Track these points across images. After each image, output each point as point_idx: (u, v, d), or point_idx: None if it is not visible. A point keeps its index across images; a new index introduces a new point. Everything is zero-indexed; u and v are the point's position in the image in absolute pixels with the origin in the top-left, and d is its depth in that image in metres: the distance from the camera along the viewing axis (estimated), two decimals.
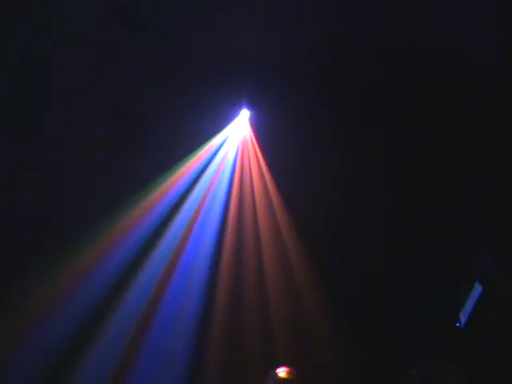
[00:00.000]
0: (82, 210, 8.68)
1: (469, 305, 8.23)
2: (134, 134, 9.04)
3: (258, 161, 9.45)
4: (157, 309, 8.85)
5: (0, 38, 8.41)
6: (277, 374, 7.77)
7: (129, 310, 8.70)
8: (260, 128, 9.40)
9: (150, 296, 8.87)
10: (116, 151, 8.94)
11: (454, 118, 8.92)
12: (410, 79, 8.88)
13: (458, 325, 8.39)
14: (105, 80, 8.78)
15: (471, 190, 8.79)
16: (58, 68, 8.61)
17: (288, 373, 7.87)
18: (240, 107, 9.33)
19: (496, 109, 8.63)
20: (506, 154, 8.64)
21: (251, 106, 9.32)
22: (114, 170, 8.89)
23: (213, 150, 9.34)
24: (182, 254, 9.08)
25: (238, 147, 9.48)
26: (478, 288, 8.14)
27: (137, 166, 9.02)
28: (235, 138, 9.45)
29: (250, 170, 9.46)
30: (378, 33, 8.68)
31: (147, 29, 8.70)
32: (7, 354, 8.05)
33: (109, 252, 8.79)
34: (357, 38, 8.77)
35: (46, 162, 8.65)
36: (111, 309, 8.64)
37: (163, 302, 8.84)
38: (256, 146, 9.42)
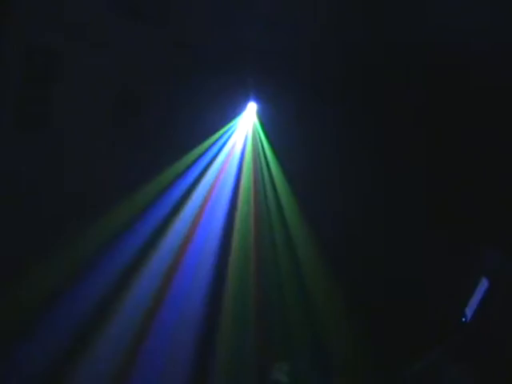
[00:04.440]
0: (92, 200, 8.70)
1: (475, 300, 8.26)
2: (142, 127, 9.05)
3: (264, 152, 9.47)
4: (163, 302, 8.88)
5: (7, 34, 8.38)
6: (283, 366, 7.84)
7: (134, 304, 8.75)
8: (267, 120, 9.42)
9: (154, 290, 8.91)
10: (124, 144, 8.96)
11: (455, 115, 8.96)
12: (413, 74, 8.91)
13: (463, 320, 8.41)
14: (113, 74, 8.78)
15: (479, 188, 8.83)
16: (66, 62, 8.61)
17: (293, 366, 7.93)
18: (247, 100, 9.36)
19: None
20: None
21: (258, 99, 9.34)
22: (121, 162, 8.90)
23: (221, 141, 9.36)
24: (189, 247, 9.11)
25: (245, 139, 9.50)
26: (484, 283, 8.17)
27: (145, 158, 9.02)
28: (243, 130, 9.47)
29: (258, 161, 9.49)
30: (380, 25, 8.73)
31: (156, 22, 8.70)
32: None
33: (114, 243, 8.82)
34: (361, 31, 8.81)
35: (54, 155, 8.65)
36: (116, 303, 8.68)
37: (169, 296, 8.87)
38: (263, 138, 9.45)
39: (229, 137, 9.41)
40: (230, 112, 9.30)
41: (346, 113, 9.24)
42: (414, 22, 8.71)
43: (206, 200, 9.27)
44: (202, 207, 9.24)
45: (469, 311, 8.29)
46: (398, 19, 8.78)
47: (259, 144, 9.47)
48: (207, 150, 9.30)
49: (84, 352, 8.36)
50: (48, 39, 8.56)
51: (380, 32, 8.85)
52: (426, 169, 9.15)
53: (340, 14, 8.90)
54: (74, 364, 8.30)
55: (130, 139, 9.03)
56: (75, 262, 8.54)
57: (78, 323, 8.39)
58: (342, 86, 9.15)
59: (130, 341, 8.56)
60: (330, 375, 8.50)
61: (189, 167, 9.20)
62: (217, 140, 9.32)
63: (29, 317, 8.15)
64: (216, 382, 8.51)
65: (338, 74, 9.10)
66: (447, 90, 8.89)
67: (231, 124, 9.36)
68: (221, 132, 9.31)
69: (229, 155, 9.42)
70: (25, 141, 8.51)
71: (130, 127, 9.04)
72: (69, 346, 8.30)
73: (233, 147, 9.44)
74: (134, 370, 8.47)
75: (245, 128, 9.46)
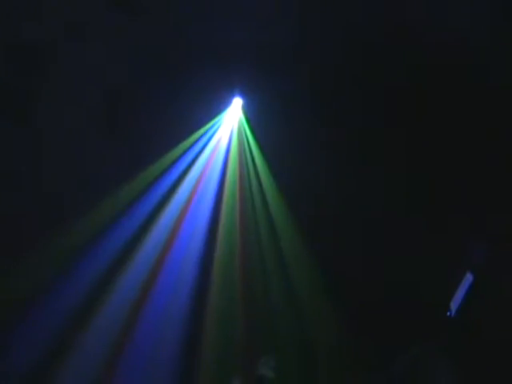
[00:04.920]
0: (76, 196, 8.69)
1: (459, 294, 8.29)
2: (127, 121, 9.04)
3: (250, 147, 9.48)
4: (148, 297, 8.88)
5: None
6: (269, 361, 7.85)
7: (119, 300, 8.75)
8: (253, 115, 9.43)
9: (139, 286, 8.90)
10: (109, 140, 8.95)
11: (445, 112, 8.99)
12: (407, 72, 8.94)
13: (448, 314, 8.44)
14: (99, 68, 8.77)
15: (465, 183, 8.88)
16: (50, 57, 8.60)
17: (279, 360, 7.94)
18: (233, 95, 9.35)
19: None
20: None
21: (244, 95, 9.35)
22: (106, 156, 8.89)
23: (206, 137, 9.36)
24: (174, 242, 9.11)
25: (230, 134, 9.50)
26: (468, 277, 8.20)
27: (129, 152, 9.02)
28: (228, 126, 9.47)
29: (243, 156, 9.50)
30: (373, 23, 8.75)
31: (143, 16, 8.69)
32: None
33: (99, 239, 8.80)
34: (354, 27, 8.83)
35: (40, 149, 8.64)
36: (101, 299, 8.68)
37: (154, 291, 8.87)
38: (249, 133, 9.46)
39: (214, 132, 9.40)
40: (216, 107, 9.30)
41: (335, 110, 9.25)
42: (410, 18, 8.74)
43: (191, 195, 9.27)
44: (187, 203, 9.24)
45: (454, 306, 8.32)
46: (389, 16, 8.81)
47: (245, 139, 9.47)
48: (192, 145, 9.31)
49: (69, 348, 8.37)
50: (33, 35, 8.55)
51: (373, 30, 8.87)
52: (413, 164, 9.17)
53: (331, 11, 8.91)
54: (59, 361, 8.31)
55: (114, 136, 9.02)
56: (59, 259, 8.52)
57: (63, 319, 8.39)
58: (330, 83, 9.16)
59: (115, 336, 8.57)
60: (315, 370, 8.55)
61: (174, 163, 9.20)
62: (202, 135, 9.33)
63: (13, 313, 8.15)
64: (201, 377, 8.54)
65: (327, 71, 9.11)
66: (440, 89, 8.91)
67: (216, 119, 9.36)
68: (206, 127, 9.31)
69: (214, 150, 9.43)
70: (9, 137, 8.50)
71: (115, 124, 9.02)
72: (53, 343, 8.31)
73: (218, 142, 9.44)
74: (119, 365, 8.49)
75: (230, 123, 9.46)
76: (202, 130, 9.28)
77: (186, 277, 8.96)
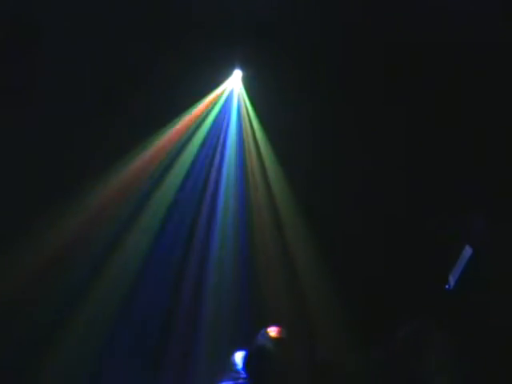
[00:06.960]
0: (75, 172, 8.73)
1: (458, 267, 8.28)
2: (126, 93, 9.02)
3: (250, 120, 9.47)
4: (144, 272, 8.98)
5: None
6: (268, 333, 7.89)
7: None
8: (253, 88, 9.39)
9: (138, 258, 8.99)
10: (108, 110, 8.95)
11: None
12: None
13: (446, 287, 8.46)
14: (97, 39, 8.74)
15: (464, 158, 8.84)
16: (49, 28, 8.58)
17: (279, 332, 7.98)
18: (233, 67, 9.29)
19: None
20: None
21: (244, 67, 9.29)
22: (101, 135, 8.90)
23: (205, 110, 9.35)
24: (172, 213, 9.16)
25: (230, 107, 9.48)
26: (467, 250, 8.18)
27: (128, 125, 9.02)
28: (227, 99, 9.44)
29: (242, 128, 9.49)
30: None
31: None
32: None
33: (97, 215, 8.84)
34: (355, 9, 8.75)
35: (38, 124, 8.67)
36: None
37: (151, 265, 8.98)
38: (248, 107, 9.43)
39: (213, 104, 9.38)
40: (215, 79, 9.27)
41: (336, 82, 9.18)
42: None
43: (191, 166, 9.31)
44: (187, 173, 9.27)
45: (452, 279, 8.32)
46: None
47: (245, 111, 9.46)
48: (192, 116, 9.29)
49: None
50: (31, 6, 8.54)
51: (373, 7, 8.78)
52: (414, 139, 9.13)
53: None
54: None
55: (113, 108, 9.01)
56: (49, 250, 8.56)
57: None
58: (331, 55, 9.11)
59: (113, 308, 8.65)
60: (314, 343, 8.63)
61: (173, 134, 9.20)
62: (201, 107, 9.31)
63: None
64: (201, 348, 8.66)
65: (328, 43, 9.04)
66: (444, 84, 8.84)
67: (216, 91, 9.32)
68: (205, 99, 9.29)
69: (214, 122, 9.42)
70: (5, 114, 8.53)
71: (111, 98, 9.00)
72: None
73: (218, 114, 9.43)
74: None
75: (230, 96, 9.43)
76: (201, 102, 9.26)
77: (185, 248, 9.02)
